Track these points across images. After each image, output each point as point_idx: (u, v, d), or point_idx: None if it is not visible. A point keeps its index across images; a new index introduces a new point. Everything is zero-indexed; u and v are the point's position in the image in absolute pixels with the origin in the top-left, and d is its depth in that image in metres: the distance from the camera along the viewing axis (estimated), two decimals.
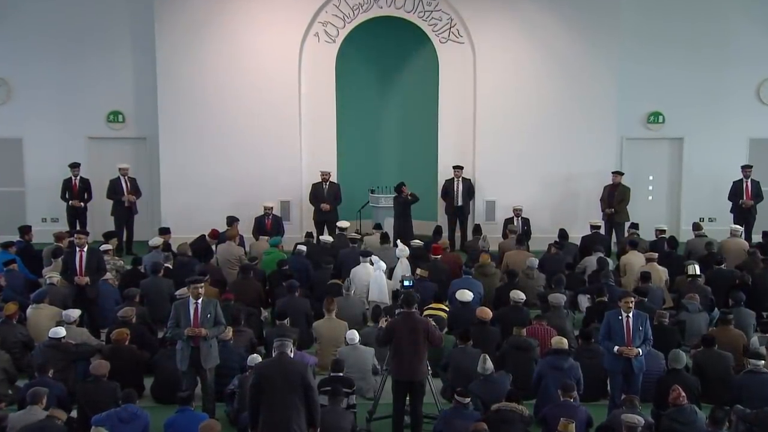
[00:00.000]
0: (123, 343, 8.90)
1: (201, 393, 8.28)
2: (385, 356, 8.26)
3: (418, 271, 11.04)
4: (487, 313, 9.54)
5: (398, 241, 12.08)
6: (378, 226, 13.72)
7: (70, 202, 14.06)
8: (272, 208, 13.86)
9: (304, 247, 12.12)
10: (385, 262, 11.31)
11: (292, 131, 14.65)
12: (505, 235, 13.53)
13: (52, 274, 10.69)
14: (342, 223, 13.39)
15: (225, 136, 14.56)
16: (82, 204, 14.10)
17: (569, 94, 14.74)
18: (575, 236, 13.34)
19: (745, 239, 13.32)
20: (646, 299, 10.03)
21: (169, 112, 14.50)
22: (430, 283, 10.82)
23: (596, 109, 14.74)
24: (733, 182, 14.23)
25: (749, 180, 14.08)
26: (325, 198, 14.24)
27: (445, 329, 9.66)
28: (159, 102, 14.49)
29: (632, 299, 8.40)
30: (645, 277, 10.82)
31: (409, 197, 13.78)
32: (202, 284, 8.33)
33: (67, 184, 14.11)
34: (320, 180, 14.33)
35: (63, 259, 10.47)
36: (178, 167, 14.56)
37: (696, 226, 13.22)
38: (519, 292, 10.19)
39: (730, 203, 14.24)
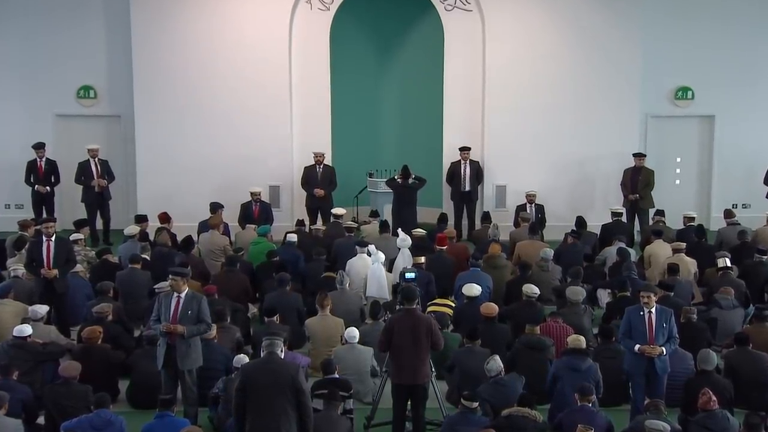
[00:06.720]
0: (95, 342, 8.89)
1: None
2: (384, 357, 8.26)
3: (413, 258, 11.04)
4: (492, 308, 9.55)
5: (399, 230, 12.06)
6: (375, 214, 13.69)
7: (36, 186, 14.04)
8: (260, 193, 13.85)
9: (294, 237, 12.10)
10: (384, 253, 11.30)
11: (281, 109, 14.61)
12: (516, 224, 13.54)
13: (16, 267, 10.68)
14: (337, 210, 13.37)
15: (208, 114, 14.52)
16: (48, 188, 14.07)
17: (588, 67, 14.69)
18: (594, 224, 13.34)
19: None
20: (672, 293, 10.05)
21: (146, 88, 14.45)
22: (424, 272, 10.77)
23: (618, 84, 14.70)
24: None
25: None
26: (319, 182, 14.23)
27: (450, 326, 9.67)
28: (134, 76, 14.43)
29: (651, 294, 8.38)
30: (672, 269, 10.83)
31: (416, 181, 13.70)
32: (184, 277, 8.31)
33: (31, 167, 14.07)
34: (313, 163, 14.31)
35: (28, 249, 10.47)
36: (156, 148, 14.53)
37: (728, 214, 13.22)
38: (532, 286, 10.19)
39: (767, 188, 14.23)
